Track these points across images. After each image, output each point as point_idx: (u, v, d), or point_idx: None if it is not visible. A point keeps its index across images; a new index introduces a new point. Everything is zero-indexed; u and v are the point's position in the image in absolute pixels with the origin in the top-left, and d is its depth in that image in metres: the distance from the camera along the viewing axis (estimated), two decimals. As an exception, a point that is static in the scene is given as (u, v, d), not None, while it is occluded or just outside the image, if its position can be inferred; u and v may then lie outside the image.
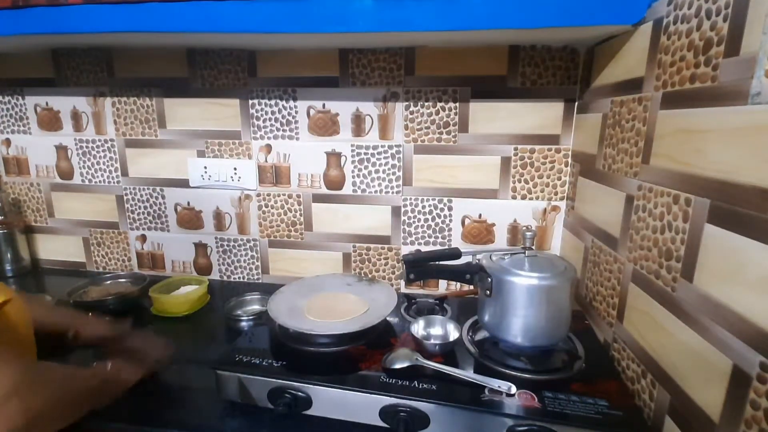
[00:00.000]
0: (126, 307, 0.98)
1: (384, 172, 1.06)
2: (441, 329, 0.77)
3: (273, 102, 1.06)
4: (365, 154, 1.05)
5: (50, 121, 1.16)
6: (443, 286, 1.11)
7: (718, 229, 0.49)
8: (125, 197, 1.19)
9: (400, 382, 0.63)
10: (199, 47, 1.05)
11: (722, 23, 0.49)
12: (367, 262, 1.13)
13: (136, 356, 0.67)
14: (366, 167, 1.06)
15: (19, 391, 0.44)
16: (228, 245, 1.18)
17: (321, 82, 1.03)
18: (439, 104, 1.00)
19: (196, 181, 1.13)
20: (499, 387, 0.61)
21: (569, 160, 0.99)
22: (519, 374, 0.65)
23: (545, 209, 1.03)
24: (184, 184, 1.14)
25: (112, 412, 0.66)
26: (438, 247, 1.08)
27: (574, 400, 0.60)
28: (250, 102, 1.07)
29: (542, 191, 1.02)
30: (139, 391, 0.67)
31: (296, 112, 1.06)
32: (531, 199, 1.02)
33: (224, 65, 1.05)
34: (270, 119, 1.07)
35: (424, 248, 1.09)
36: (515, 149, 1.00)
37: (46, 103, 1.15)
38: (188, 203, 1.16)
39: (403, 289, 1.11)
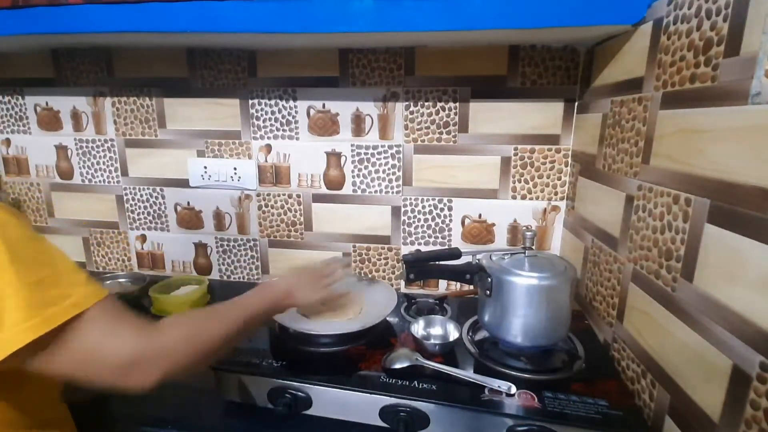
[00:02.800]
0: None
1: (384, 172, 1.06)
2: (441, 329, 0.77)
3: (273, 102, 1.06)
4: (365, 154, 1.05)
5: (50, 121, 1.16)
6: (443, 286, 1.11)
7: (718, 229, 0.49)
8: (125, 197, 1.19)
9: (400, 382, 0.63)
10: (199, 47, 1.05)
11: (722, 23, 0.49)
12: (367, 262, 1.13)
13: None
14: (366, 167, 1.06)
15: (155, 351, 0.49)
16: (228, 245, 1.18)
17: (321, 82, 1.03)
18: (439, 104, 1.00)
19: (196, 181, 1.13)
20: (499, 387, 0.61)
21: (569, 160, 0.99)
22: (519, 374, 0.66)
23: (545, 209, 1.03)
24: (184, 184, 1.14)
25: (112, 411, 0.66)
26: (438, 247, 1.08)
27: (574, 400, 0.60)
28: (250, 102, 1.07)
29: (542, 191, 1.02)
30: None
31: (296, 112, 1.06)
32: (531, 199, 1.02)
33: (224, 65, 1.05)
34: (270, 119, 1.07)
35: (424, 248, 1.09)
36: (515, 149, 1.00)
37: (46, 103, 1.15)
38: (188, 203, 1.16)
39: (403, 289, 1.10)
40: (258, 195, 1.13)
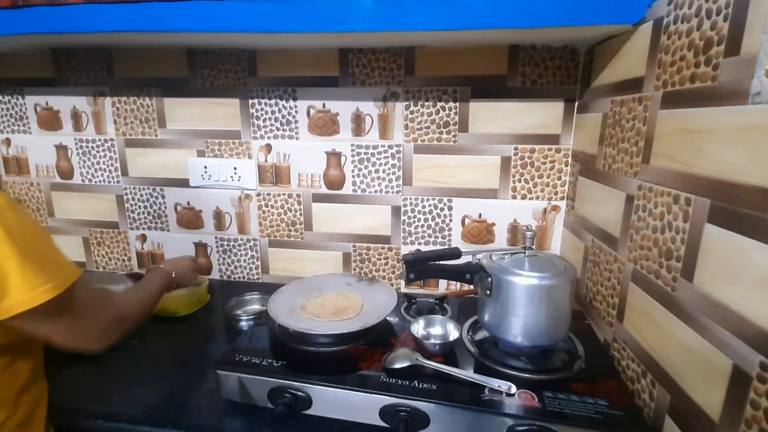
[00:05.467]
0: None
1: (384, 171, 1.06)
2: (441, 329, 0.77)
3: (273, 102, 1.06)
4: (365, 153, 1.05)
5: (50, 121, 1.16)
6: (443, 286, 1.11)
7: (718, 229, 0.49)
8: (125, 197, 1.19)
9: (400, 382, 0.63)
10: (199, 47, 1.05)
11: (722, 23, 0.49)
12: (367, 262, 1.13)
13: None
14: (366, 167, 1.06)
15: (117, 318, 0.64)
16: (228, 245, 1.18)
17: (321, 82, 1.03)
18: (439, 104, 1.00)
19: (196, 180, 1.13)
20: (499, 387, 0.61)
21: (569, 159, 0.99)
22: (519, 374, 0.65)
23: (545, 209, 1.03)
24: (184, 183, 1.14)
25: (112, 411, 0.66)
26: (438, 247, 1.08)
27: (574, 400, 0.60)
28: (250, 102, 1.07)
29: (542, 191, 1.02)
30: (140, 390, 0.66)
31: (296, 112, 1.06)
32: (531, 198, 1.02)
33: (224, 65, 1.05)
34: (270, 119, 1.07)
35: (424, 248, 1.09)
36: (515, 149, 1.00)
37: (46, 103, 1.15)
38: (188, 203, 1.16)
39: (403, 289, 1.11)
40: (258, 195, 1.13)
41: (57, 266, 0.54)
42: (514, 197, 1.03)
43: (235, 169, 1.10)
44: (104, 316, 0.61)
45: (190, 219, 1.17)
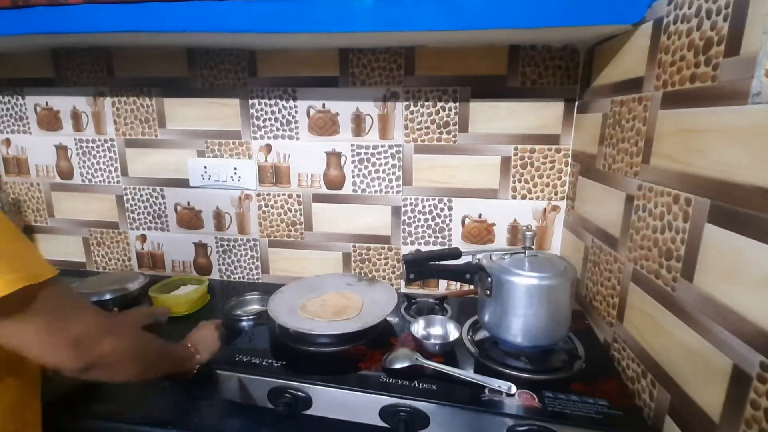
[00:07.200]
0: (126, 307, 0.98)
1: (384, 171, 1.06)
2: (441, 329, 0.77)
3: (273, 102, 1.06)
4: (365, 153, 1.05)
5: (50, 121, 1.16)
6: (443, 286, 1.11)
7: (718, 229, 0.49)
8: (125, 197, 1.19)
9: (400, 382, 0.63)
10: (199, 47, 1.05)
11: (722, 23, 0.49)
12: (367, 262, 1.13)
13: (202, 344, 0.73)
14: (366, 167, 1.06)
15: (95, 334, 0.52)
16: (228, 245, 1.18)
17: (321, 82, 1.03)
18: (439, 104, 1.00)
19: (196, 180, 1.13)
20: (499, 387, 0.61)
21: (569, 159, 0.99)
22: (519, 374, 0.65)
23: (545, 209, 1.03)
24: (184, 183, 1.14)
25: (112, 412, 0.66)
26: (438, 247, 1.08)
27: (574, 400, 0.60)
28: (250, 102, 1.07)
29: (542, 191, 1.02)
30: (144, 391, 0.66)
31: (296, 112, 1.06)
32: (531, 198, 1.02)
33: (224, 65, 1.05)
34: (270, 119, 1.07)
35: (424, 248, 1.09)
36: (515, 149, 1.00)
37: (46, 103, 1.15)
38: (188, 203, 1.16)
39: (403, 289, 1.10)
40: (258, 195, 1.13)
41: (30, 261, 0.48)
42: (514, 197, 1.03)
43: (235, 169, 1.10)
44: (83, 324, 0.51)
45: (190, 219, 1.17)
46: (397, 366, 0.65)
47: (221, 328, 0.78)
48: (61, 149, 1.18)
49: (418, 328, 0.76)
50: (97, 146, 1.16)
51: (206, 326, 0.77)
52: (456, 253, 0.74)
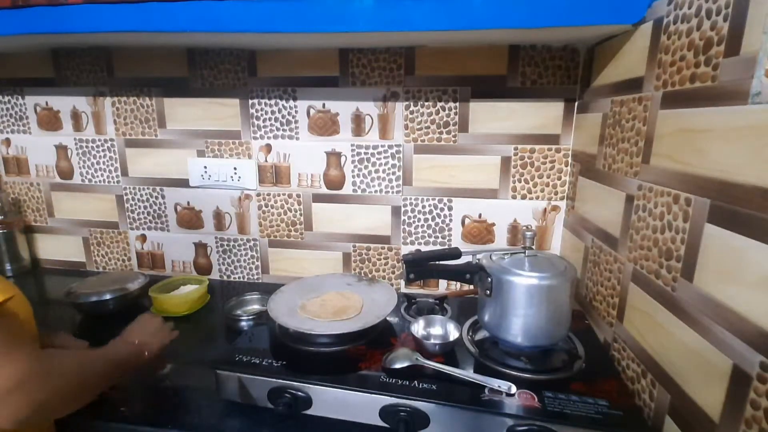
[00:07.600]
0: (126, 307, 0.98)
1: (384, 171, 1.06)
2: (441, 329, 0.77)
3: (273, 102, 1.06)
4: (365, 153, 1.05)
5: (50, 121, 1.16)
6: (443, 286, 1.11)
7: (718, 229, 0.49)
8: (125, 197, 1.19)
9: (400, 382, 0.63)
10: (199, 47, 1.05)
11: (722, 23, 0.49)
12: (367, 262, 1.13)
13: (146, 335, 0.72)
14: (366, 167, 1.06)
15: (24, 383, 0.45)
16: (228, 245, 1.18)
17: (321, 82, 1.03)
18: (439, 104, 1.00)
19: (196, 180, 1.13)
20: (499, 387, 0.61)
21: (569, 159, 0.99)
22: (519, 374, 0.65)
23: (545, 209, 1.03)
24: (184, 183, 1.14)
25: (112, 411, 0.66)
26: (438, 247, 1.08)
27: (574, 400, 0.60)
28: (250, 102, 1.07)
29: (542, 191, 1.02)
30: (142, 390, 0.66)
31: (296, 112, 1.06)
32: (531, 198, 1.02)
33: (224, 65, 1.05)
34: (270, 119, 1.07)
35: (424, 248, 1.09)
36: (515, 149, 1.00)
37: (46, 103, 1.15)
38: (188, 203, 1.16)
39: (403, 289, 1.11)
40: (258, 195, 1.13)
41: None
42: (514, 197, 1.03)
43: (235, 169, 1.10)
44: (6, 375, 0.43)
45: (190, 219, 1.17)
46: (397, 366, 0.65)
47: (159, 316, 0.78)
48: (61, 149, 1.18)
49: (418, 328, 0.76)
50: (97, 146, 1.16)
51: (143, 316, 0.76)
52: (456, 253, 0.74)
